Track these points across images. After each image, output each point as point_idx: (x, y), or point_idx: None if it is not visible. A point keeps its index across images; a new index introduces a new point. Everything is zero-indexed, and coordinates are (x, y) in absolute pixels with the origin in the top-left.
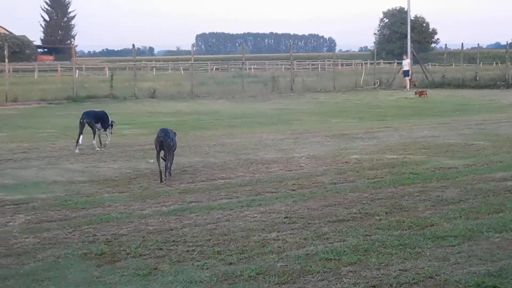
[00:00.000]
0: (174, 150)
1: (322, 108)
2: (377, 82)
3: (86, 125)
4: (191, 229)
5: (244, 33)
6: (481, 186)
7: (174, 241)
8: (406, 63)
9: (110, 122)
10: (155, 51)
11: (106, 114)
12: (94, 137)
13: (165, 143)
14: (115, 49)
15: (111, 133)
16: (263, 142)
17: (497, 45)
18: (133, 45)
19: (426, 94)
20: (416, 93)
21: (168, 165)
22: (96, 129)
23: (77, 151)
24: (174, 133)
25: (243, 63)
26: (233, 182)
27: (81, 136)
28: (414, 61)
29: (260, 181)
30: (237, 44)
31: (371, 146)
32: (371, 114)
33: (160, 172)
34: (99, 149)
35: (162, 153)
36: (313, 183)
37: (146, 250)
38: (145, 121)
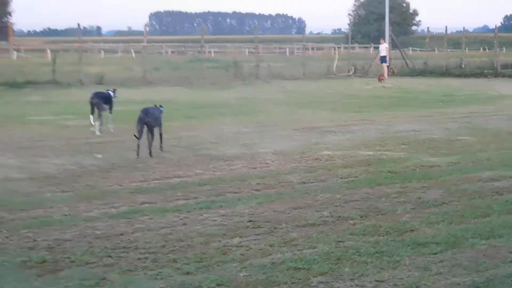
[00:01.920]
0: (160, 126)
1: (291, 98)
2: (352, 68)
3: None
4: (144, 233)
5: (203, 12)
6: (467, 187)
7: (124, 247)
8: (384, 48)
9: (113, 101)
10: (103, 31)
11: (112, 93)
12: (98, 118)
13: (145, 121)
14: (58, 29)
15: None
16: (224, 135)
17: (485, 29)
18: (78, 24)
19: (383, 78)
20: (379, 79)
21: (153, 142)
22: (103, 110)
23: (96, 131)
24: (160, 108)
25: (202, 45)
26: (190, 181)
27: (91, 116)
28: (393, 45)
29: (221, 180)
30: (195, 24)
31: (344, 141)
32: (345, 105)
33: (138, 146)
34: (99, 133)
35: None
36: (280, 183)
37: (93, 258)
38: None
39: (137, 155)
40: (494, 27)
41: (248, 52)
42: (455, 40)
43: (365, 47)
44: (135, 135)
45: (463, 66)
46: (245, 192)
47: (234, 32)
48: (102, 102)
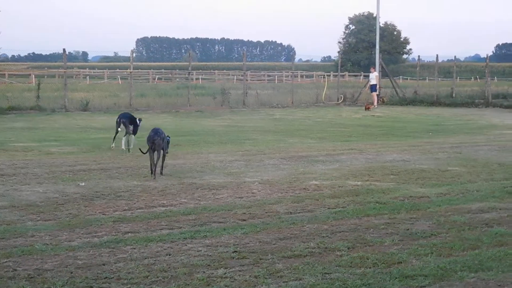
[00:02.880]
0: (165, 151)
1: (279, 126)
2: (341, 97)
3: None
4: (126, 264)
5: (191, 38)
6: (456, 218)
7: (106, 277)
8: (374, 77)
9: (138, 128)
10: (89, 57)
11: (138, 120)
12: (124, 137)
13: (155, 141)
14: (43, 53)
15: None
16: (210, 164)
17: (476, 58)
18: (64, 49)
19: (369, 107)
20: (366, 108)
21: (160, 163)
22: (129, 131)
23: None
24: (168, 136)
25: (190, 72)
26: (175, 210)
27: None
28: (383, 74)
29: (206, 209)
30: (183, 51)
31: (332, 170)
32: (333, 133)
33: (151, 165)
34: (124, 148)
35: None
36: (266, 213)
37: None
38: (75, 137)
39: (152, 173)
40: (485, 56)
41: (236, 79)
42: (446, 69)
43: (354, 75)
44: (140, 149)
45: (453, 95)
46: (230, 222)
47: (222, 59)
48: (128, 123)
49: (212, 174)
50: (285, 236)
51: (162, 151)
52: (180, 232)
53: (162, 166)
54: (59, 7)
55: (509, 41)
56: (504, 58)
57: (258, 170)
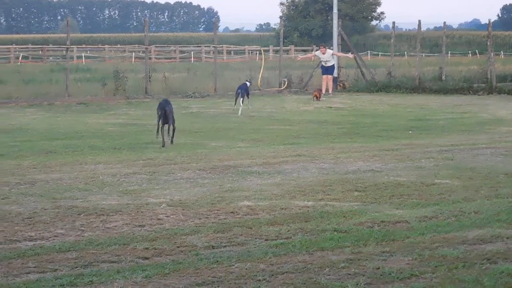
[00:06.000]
0: (173, 120)
1: (196, 124)
2: (285, 81)
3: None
4: None
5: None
6: (446, 251)
7: None
8: (329, 54)
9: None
10: None
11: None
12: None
13: (167, 110)
14: None
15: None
16: (98, 178)
17: (475, 24)
18: None
19: (318, 95)
20: (315, 97)
21: (171, 134)
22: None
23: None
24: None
25: (69, 48)
26: (48, 246)
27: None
28: (344, 49)
29: (92, 244)
30: (59, 18)
31: (272, 186)
32: (273, 134)
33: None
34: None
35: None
36: (178, 247)
37: None
38: None
39: (163, 145)
40: (487, 22)
41: (136, 57)
42: (433, 41)
43: (304, 50)
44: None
45: (443, 77)
46: (127, 261)
47: (115, 28)
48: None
49: (101, 194)
50: (205, 281)
51: (172, 123)
52: (55, 276)
53: (173, 136)
54: None
55: None
56: None
57: (167, 186)
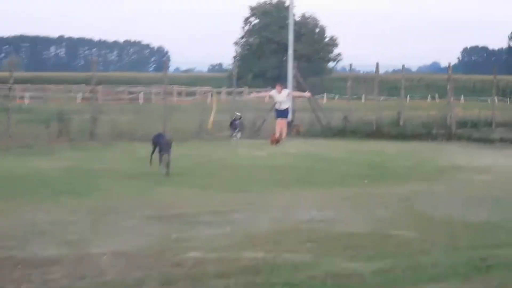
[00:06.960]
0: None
1: (143, 168)
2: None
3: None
4: None
5: (15, 36)
6: None
7: None
8: (284, 96)
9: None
10: None
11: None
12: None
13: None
14: None
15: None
16: (37, 226)
17: (435, 68)
18: None
19: (277, 140)
20: (273, 142)
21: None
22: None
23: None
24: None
25: (11, 87)
26: None
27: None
28: (300, 90)
29: None
30: (2, 55)
31: (221, 236)
32: (224, 180)
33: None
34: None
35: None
36: None
37: None
38: None
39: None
40: (447, 65)
41: (82, 98)
42: (391, 84)
43: (258, 92)
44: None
45: (401, 123)
46: None
47: (61, 66)
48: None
49: (40, 243)
50: None
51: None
52: None
53: (168, 167)
54: None
55: (480, 44)
56: (474, 68)
57: (110, 236)
